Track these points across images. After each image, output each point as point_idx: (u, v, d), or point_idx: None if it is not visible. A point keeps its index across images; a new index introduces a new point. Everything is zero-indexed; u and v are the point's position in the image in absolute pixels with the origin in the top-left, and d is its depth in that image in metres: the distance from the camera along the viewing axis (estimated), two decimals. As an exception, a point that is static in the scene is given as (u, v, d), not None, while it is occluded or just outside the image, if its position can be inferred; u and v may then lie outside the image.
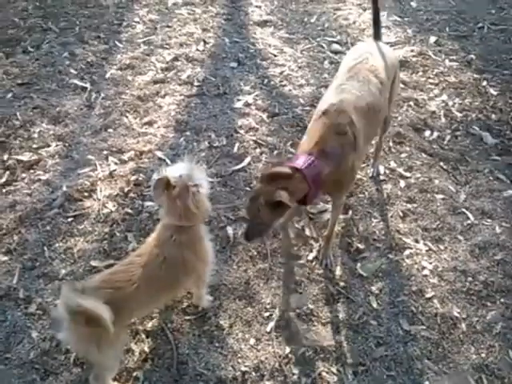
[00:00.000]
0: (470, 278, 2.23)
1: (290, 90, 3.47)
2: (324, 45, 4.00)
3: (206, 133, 3.07)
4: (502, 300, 2.14)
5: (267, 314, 2.10)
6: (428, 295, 2.16)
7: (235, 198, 2.63)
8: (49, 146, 3.00)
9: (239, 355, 1.93)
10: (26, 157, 2.90)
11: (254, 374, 1.88)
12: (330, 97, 2.11)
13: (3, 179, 2.75)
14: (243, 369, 1.89)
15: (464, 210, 2.57)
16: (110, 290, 1.63)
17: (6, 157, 2.90)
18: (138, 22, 4.35)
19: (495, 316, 2.08)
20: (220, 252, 2.33)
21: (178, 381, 1.85)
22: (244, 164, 2.84)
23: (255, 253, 2.33)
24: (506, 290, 2.18)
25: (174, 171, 1.81)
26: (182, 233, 1.82)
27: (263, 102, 3.35)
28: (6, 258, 2.34)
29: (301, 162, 1.85)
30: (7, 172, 2.80)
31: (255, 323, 2.06)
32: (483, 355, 1.95)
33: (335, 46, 3.97)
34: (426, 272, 2.26)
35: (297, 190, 1.83)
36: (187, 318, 2.07)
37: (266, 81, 3.57)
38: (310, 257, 2.33)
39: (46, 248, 2.37)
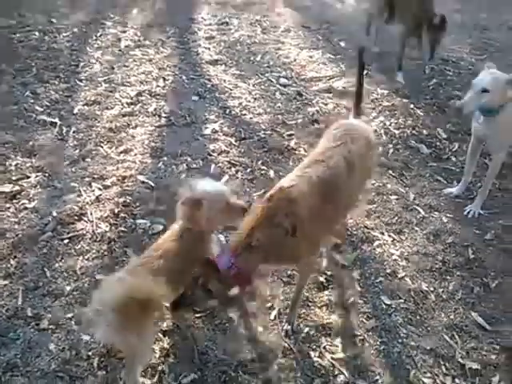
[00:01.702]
0: (430, 259, 2.65)
1: (251, 118, 3.85)
2: (273, 79, 4.46)
3: (182, 157, 3.32)
4: (458, 273, 2.57)
5: (269, 304, 2.34)
6: (400, 275, 2.54)
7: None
8: (28, 177, 3.07)
9: (253, 341, 2.15)
10: (6, 188, 2.96)
11: (268, 354, 2.10)
12: (289, 177, 2.07)
13: (-13, 210, 2.78)
14: (259, 351, 2.11)
15: (415, 206, 3.03)
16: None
17: (-15, 189, 2.93)
18: (95, 63, 4.56)
19: (455, 286, 2.50)
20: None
21: (203, 369, 2.02)
22: (223, 181, 3.11)
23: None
24: (460, 265, 2.62)
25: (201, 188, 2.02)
26: (192, 234, 2.03)
27: (229, 129, 3.68)
28: (6, 282, 2.38)
29: (222, 263, 1.88)
30: (-10, 203, 2.84)
31: (260, 314, 2.30)
32: (451, 317, 2.34)
33: (283, 80, 4.45)
34: (395, 257, 2.65)
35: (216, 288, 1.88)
36: (198, 315, 2.25)
37: (227, 111, 3.92)
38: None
39: (46, 269, 2.44)
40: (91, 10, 5.74)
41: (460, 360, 2.13)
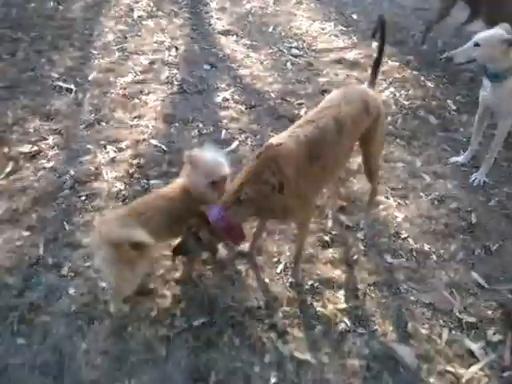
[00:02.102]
0: (433, 222, 2.73)
1: (261, 87, 3.90)
2: (284, 50, 4.49)
3: (194, 123, 3.41)
4: (461, 236, 2.65)
5: (275, 259, 2.45)
6: (403, 236, 2.63)
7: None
8: (46, 139, 3.19)
9: (259, 290, 2.27)
10: (26, 148, 3.08)
11: (273, 303, 2.22)
12: (279, 136, 2.10)
13: (8, 168, 2.91)
14: (265, 299, 2.23)
15: (421, 173, 3.10)
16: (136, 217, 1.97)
17: (6, 149, 3.06)
18: (108, 32, 4.62)
19: (457, 248, 2.58)
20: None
21: (212, 314, 2.15)
22: (233, 147, 3.20)
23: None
24: (462, 229, 2.70)
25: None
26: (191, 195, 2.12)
27: (240, 97, 3.75)
28: (28, 233, 2.51)
29: (212, 215, 1.96)
30: (10, 162, 2.96)
31: (266, 267, 2.41)
32: (451, 276, 2.43)
33: (294, 51, 4.49)
34: (398, 220, 2.74)
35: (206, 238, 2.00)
36: (208, 267, 2.38)
37: (238, 80, 3.98)
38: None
39: (65, 223, 2.57)
40: (105, -19, 5.77)
41: (457, 314, 2.23)
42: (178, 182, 2.21)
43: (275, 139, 2.09)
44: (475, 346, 2.10)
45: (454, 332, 2.16)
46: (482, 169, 3.06)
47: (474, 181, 3.05)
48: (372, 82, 2.47)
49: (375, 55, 2.52)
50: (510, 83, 2.70)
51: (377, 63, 2.48)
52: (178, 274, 2.31)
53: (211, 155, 2.16)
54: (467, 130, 3.52)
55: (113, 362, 1.96)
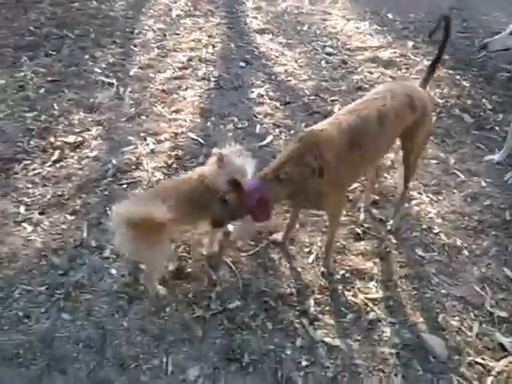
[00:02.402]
0: (466, 218, 2.73)
1: (296, 84, 3.98)
2: (318, 48, 4.55)
3: (229, 118, 3.51)
4: (493, 232, 2.65)
5: (307, 249, 2.52)
6: (435, 231, 2.64)
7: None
8: (89, 130, 3.35)
9: (291, 278, 2.34)
10: (71, 139, 3.24)
11: (305, 290, 2.28)
12: (324, 122, 2.15)
13: (54, 157, 3.08)
14: (297, 286, 2.29)
15: (455, 170, 3.10)
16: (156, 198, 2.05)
17: (52, 139, 3.23)
18: (148, 30, 4.80)
19: (489, 244, 2.58)
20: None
21: (246, 298, 2.23)
22: (267, 141, 3.28)
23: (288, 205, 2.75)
24: (495, 225, 2.69)
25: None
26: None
27: (274, 94, 3.83)
28: (73, 218, 2.66)
29: (249, 184, 1.99)
30: (56, 151, 3.13)
31: (298, 257, 2.48)
32: (483, 271, 2.43)
33: (328, 49, 4.54)
34: (431, 215, 2.75)
35: (234, 204, 2.00)
36: (243, 254, 2.46)
37: (273, 77, 4.06)
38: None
39: (107, 208, 2.70)
40: (144, -19, 5.97)
41: (489, 308, 2.24)
42: (202, 170, 2.29)
43: (318, 126, 2.15)
44: (506, 340, 2.10)
45: (484, 326, 2.17)
46: (518, 167, 3.04)
47: (508, 179, 3.03)
48: (426, 80, 2.46)
49: (435, 54, 2.47)
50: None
51: (435, 63, 2.46)
52: (212, 260, 2.41)
53: (239, 160, 2.20)
54: (502, 128, 3.49)
55: (151, 340, 2.07)
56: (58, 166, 3.01)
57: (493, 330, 2.15)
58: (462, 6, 5.53)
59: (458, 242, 2.59)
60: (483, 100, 3.82)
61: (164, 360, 2.00)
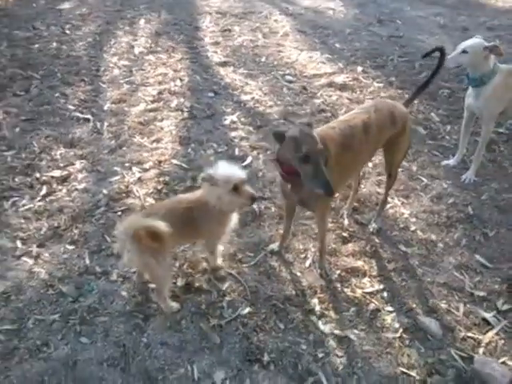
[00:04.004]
0: (436, 215, 3.06)
1: (264, 110, 4.26)
2: (279, 77, 4.90)
3: (208, 143, 3.71)
4: (461, 226, 2.99)
5: (303, 255, 2.72)
6: (412, 229, 2.95)
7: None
8: (73, 164, 3.41)
9: (293, 282, 2.52)
10: (56, 173, 3.29)
11: (309, 290, 2.48)
12: (318, 129, 2.38)
13: (43, 191, 3.12)
14: (300, 288, 2.48)
15: (418, 176, 3.46)
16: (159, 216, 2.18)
17: (37, 175, 3.27)
18: (114, 67, 4.95)
19: (459, 236, 2.91)
20: (252, 221, 2.93)
21: (255, 303, 2.38)
22: (247, 162, 3.50)
23: (279, 217, 2.96)
24: (462, 219, 3.04)
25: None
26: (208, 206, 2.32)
27: (246, 119, 4.08)
28: (72, 247, 2.71)
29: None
30: (44, 186, 3.17)
31: (296, 263, 2.67)
32: (459, 259, 2.74)
33: (288, 77, 4.89)
34: (405, 216, 3.06)
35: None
36: (245, 265, 2.62)
37: (242, 104, 4.32)
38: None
39: (106, 236, 2.78)
40: (101, 22, 6.15)
41: (469, 290, 2.54)
42: (199, 193, 2.41)
43: (317, 129, 2.38)
44: (488, 315, 2.39)
45: (468, 305, 2.45)
46: (471, 169, 3.45)
47: (465, 180, 3.42)
48: (409, 101, 2.83)
49: (425, 81, 2.80)
50: (488, 89, 3.12)
51: (423, 87, 2.80)
52: (217, 274, 2.54)
53: (223, 166, 2.34)
54: (452, 137, 3.94)
55: (173, 352, 2.16)
56: (48, 199, 3.05)
57: (476, 308, 2.43)
58: (399, 34, 6.15)
59: (433, 237, 2.90)
60: (431, 114, 4.28)
61: (189, 368, 2.10)
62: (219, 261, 2.58)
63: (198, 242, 2.61)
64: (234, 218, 2.47)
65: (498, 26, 6.58)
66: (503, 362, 2.17)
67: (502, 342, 2.27)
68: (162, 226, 2.08)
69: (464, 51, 3.07)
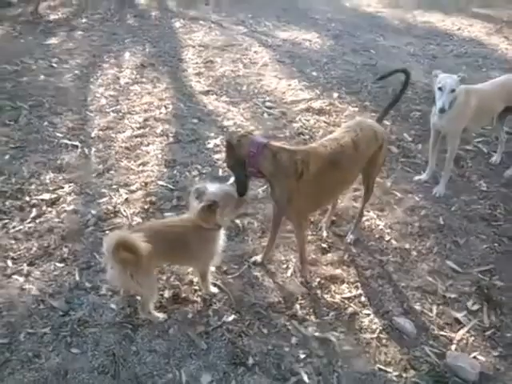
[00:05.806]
0: (409, 226, 3.25)
1: (246, 133, 4.46)
2: (259, 104, 5.14)
3: (193, 165, 3.87)
4: (433, 235, 3.17)
5: (284, 266, 2.86)
6: (387, 239, 3.12)
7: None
8: (62, 187, 3.54)
9: (276, 290, 2.65)
10: (46, 196, 3.41)
11: (291, 298, 2.60)
12: (311, 145, 2.64)
13: (33, 214, 3.22)
14: (282, 295, 2.61)
15: (392, 191, 3.66)
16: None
17: (27, 198, 3.38)
18: (100, 97, 5.13)
19: (431, 244, 3.09)
20: (236, 236, 3.07)
21: (239, 311, 2.50)
22: (230, 182, 3.66)
23: (262, 232, 3.11)
24: (433, 229, 3.23)
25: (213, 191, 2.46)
26: (198, 229, 2.42)
27: (228, 143, 4.27)
28: (62, 265, 2.81)
29: (255, 138, 2.50)
30: (34, 208, 3.28)
31: (278, 273, 2.81)
32: (431, 265, 2.91)
33: (268, 104, 5.13)
34: (380, 227, 3.24)
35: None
36: (229, 276, 2.74)
37: (224, 129, 4.53)
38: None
39: (95, 253, 2.88)
40: (88, 56, 6.37)
41: (441, 293, 2.70)
42: (186, 217, 2.51)
43: (308, 145, 2.57)
44: (460, 315, 2.54)
45: (441, 307, 2.61)
46: (441, 183, 3.66)
47: (435, 193, 3.63)
48: (380, 119, 3.01)
49: (393, 99, 3.05)
50: (452, 112, 3.35)
51: (391, 106, 3.03)
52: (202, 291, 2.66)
53: (215, 186, 2.49)
54: (424, 155, 4.17)
55: (161, 358, 2.25)
56: (37, 221, 3.16)
57: (448, 309, 2.59)
58: (373, 62, 6.50)
59: (407, 245, 3.07)
60: (404, 134, 4.54)
61: (177, 373, 2.19)
62: (213, 289, 2.61)
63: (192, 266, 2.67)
64: (223, 236, 2.56)
65: (464, 53, 7.01)
66: (474, 357, 2.32)
67: (473, 338, 2.42)
68: (138, 240, 2.15)
69: (453, 90, 3.23)
